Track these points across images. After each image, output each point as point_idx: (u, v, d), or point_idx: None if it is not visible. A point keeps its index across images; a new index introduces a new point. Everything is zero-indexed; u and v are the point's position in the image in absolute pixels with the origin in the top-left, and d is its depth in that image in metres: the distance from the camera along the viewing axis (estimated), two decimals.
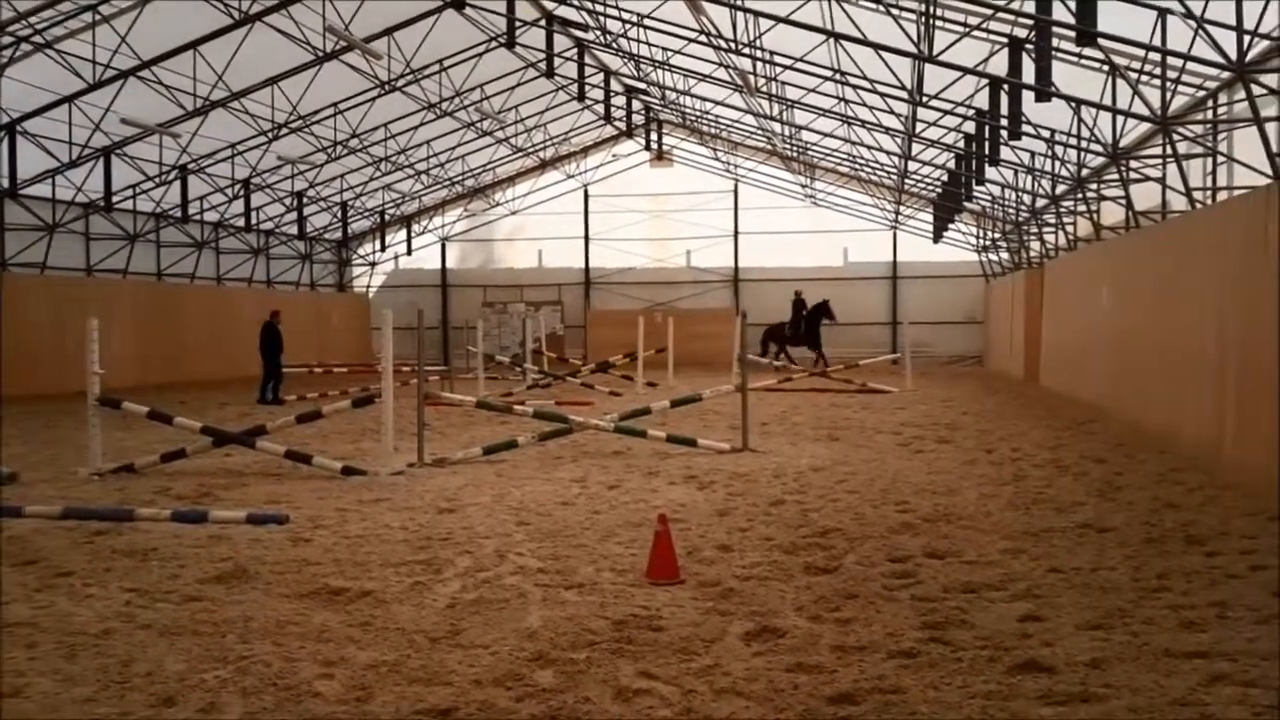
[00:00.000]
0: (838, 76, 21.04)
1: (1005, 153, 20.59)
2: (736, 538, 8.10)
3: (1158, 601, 6.14)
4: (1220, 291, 12.15)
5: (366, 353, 38.76)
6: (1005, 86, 16.59)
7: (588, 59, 27.18)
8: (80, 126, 23.17)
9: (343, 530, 8.55)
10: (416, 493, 10.36)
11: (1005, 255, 32.56)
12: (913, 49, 15.93)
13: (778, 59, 21.40)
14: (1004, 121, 17.14)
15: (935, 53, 15.73)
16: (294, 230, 35.27)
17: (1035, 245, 27.66)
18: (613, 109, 31.28)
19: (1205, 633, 5.52)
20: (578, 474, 11.54)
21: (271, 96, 25.02)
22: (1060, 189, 22.66)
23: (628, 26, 22.67)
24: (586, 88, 27.14)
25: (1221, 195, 15.69)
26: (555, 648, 5.40)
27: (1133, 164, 18.16)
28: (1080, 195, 21.14)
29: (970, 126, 21.26)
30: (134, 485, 11.04)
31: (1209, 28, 11.99)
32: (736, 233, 39.69)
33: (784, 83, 24.10)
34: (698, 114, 32.66)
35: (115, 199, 26.18)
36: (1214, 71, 14.51)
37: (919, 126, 23.35)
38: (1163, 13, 12.99)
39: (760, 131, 32.86)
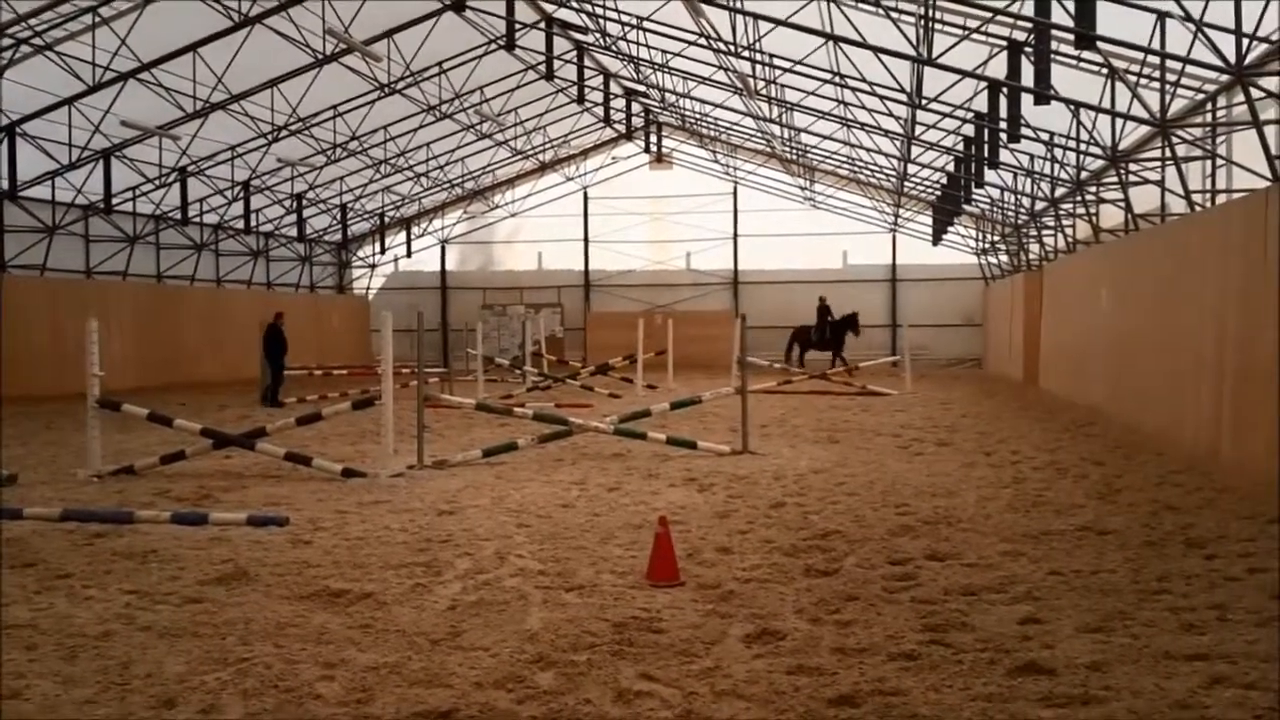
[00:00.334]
0: (837, 79, 21.05)
1: (1004, 155, 20.61)
2: (736, 540, 8.10)
3: (1157, 604, 6.14)
4: (1219, 294, 12.16)
5: (366, 355, 38.76)
6: (1004, 89, 16.61)
7: (587, 61, 27.19)
8: (80, 128, 23.18)
9: (343, 532, 8.55)
10: (416, 495, 10.36)
11: (1004, 258, 32.58)
12: (912, 52, 15.95)
13: (777, 62, 21.42)
14: (1003, 124, 17.16)
15: (934, 56, 15.75)
16: (294, 232, 35.28)
17: (1034, 248, 27.69)
18: (612, 111, 31.30)
19: (1205, 635, 5.52)
20: (577, 476, 11.54)
21: (271, 99, 25.03)
22: (1059, 192, 22.67)
23: (627, 29, 22.69)
24: (586, 90, 27.16)
25: (1220, 198, 15.70)
26: (556, 650, 5.40)
27: (1132, 167, 18.18)
28: (1079, 198, 21.15)
29: (969, 129, 21.28)
30: (133, 487, 11.04)
31: (1208, 31, 12.01)
32: (736, 235, 39.71)
33: (783, 85, 24.12)
34: (697, 116, 32.68)
35: (115, 201, 26.19)
36: (1213, 74, 14.52)
37: (918, 129, 23.37)
38: (1162, 16, 13.01)
39: (759, 134, 32.88)
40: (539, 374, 26.59)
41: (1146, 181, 18.13)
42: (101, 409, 11.78)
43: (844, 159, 31.79)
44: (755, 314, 32.11)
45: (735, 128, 33.31)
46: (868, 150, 28.32)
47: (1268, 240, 10.66)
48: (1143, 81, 14.99)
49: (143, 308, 29.72)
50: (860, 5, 16.80)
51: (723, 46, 20.88)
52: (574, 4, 22.33)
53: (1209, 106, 15.89)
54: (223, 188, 30.00)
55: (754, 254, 39.60)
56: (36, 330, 25.11)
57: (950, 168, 26.05)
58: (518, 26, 22.61)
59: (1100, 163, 19.38)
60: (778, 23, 17.64)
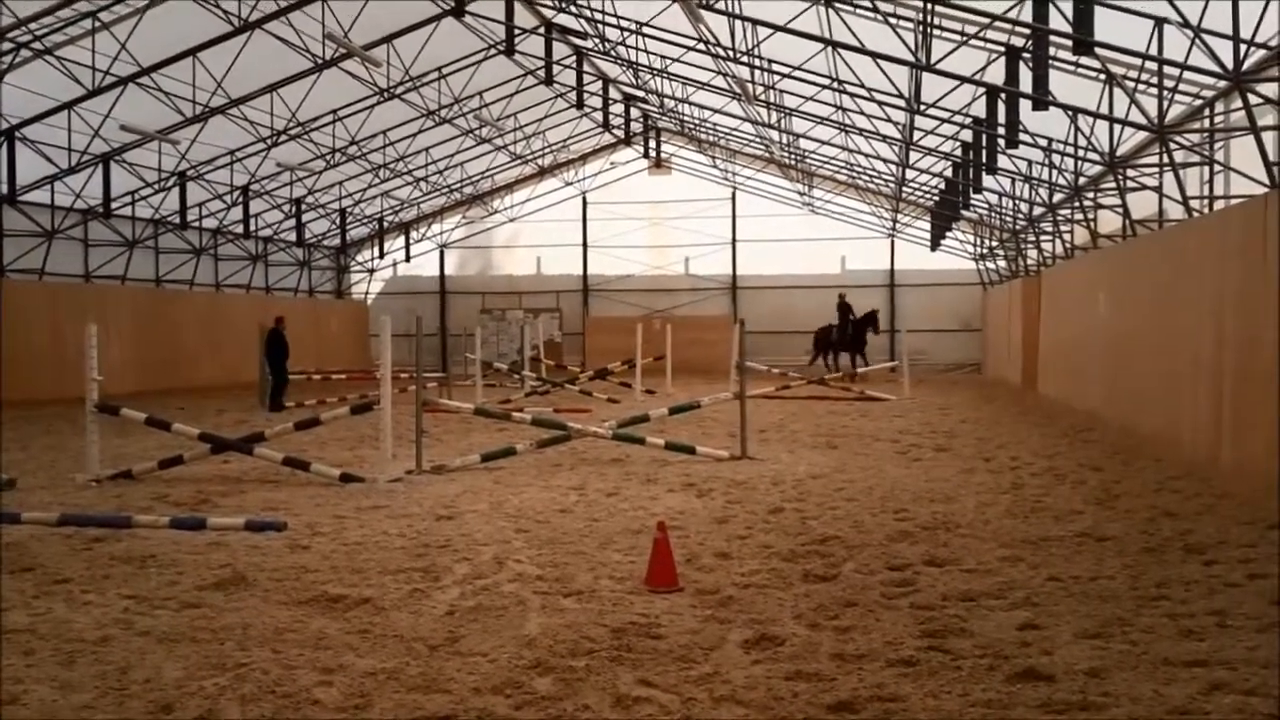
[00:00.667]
0: (835, 85, 21.08)
1: (1003, 161, 20.63)
2: (735, 545, 8.10)
3: (1156, 610, 6.14)
4: (1217, 300, 12.17)
5: (365, 359, 38.74)
6: (1003, 95, 16.62)
7: (586, 67, 27.22)
8: (79, 133, 23.17)
9: (341, 537, 8.54)
10: (415, 500, 10.36)
11: (1002, 263, 32.60)
12: (910, 58, 15.97)
13: (776, 67, 21.44)
14: (1001, 130, 17.17)
15: (933, 61, 15.77)
16: (292, 237, 35.28)
17: (1032, 253, 27.70)
18: (611, 117, 31.32)
19: (1204, 641, 5.52)
20: (576, 481, 11.54)
21: (271, 103, 25.04)
22: (1057, 197, 22.69)
23: (626, 34, 22.70)
24: (585, 95, 27.18)
25: (1218, 204, 15.71)
26: (554, 655, 5.39)
27: (1130, 172, 18.20)
28: (1077, 203, 21.17)
29: (968, 135, 21.30)
30: (132, 491, 11.03)
31: (1206, 37, 12.02)
32: (734, 240, 39.72)
33: (782, 91, 24.14)
34: (696, 122, 32.71)
35: (114, 205, 26.17)
36: (1211, 81, 14.54)
37: (916, 135, 23.39)
38: (1159, 22, 13.03)
39: (758, 139, 32.91)
40: (537, 379, 26.59)
41: (1144, 187, 18.16)
42: (100, 413, 11.77)
43: (842, 164, 31.82)
44: (754, 319, 32.12)
45: (734, 133, 33.34)
46: (866, 155, 28.35)
47: (1266, 246, 10.67)
48: (1141, 87, 15.02)
49: (141, 312, 29.71)
50: (859, 11, 16.82)
51: (721, 52, 20.89)
52: (573, 10, 22.35)
53: (1207, 112, 15.91)
54: (222, 192, 30.01)
55: (752, 259, 39.61)
56: (35, 334, 25.10)
57: (948, 173, 26.07)
58: (517, 32, 22.62)
59: (1098, 168, 19.40)
60: (776, 28, 17.66)
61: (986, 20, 15.65)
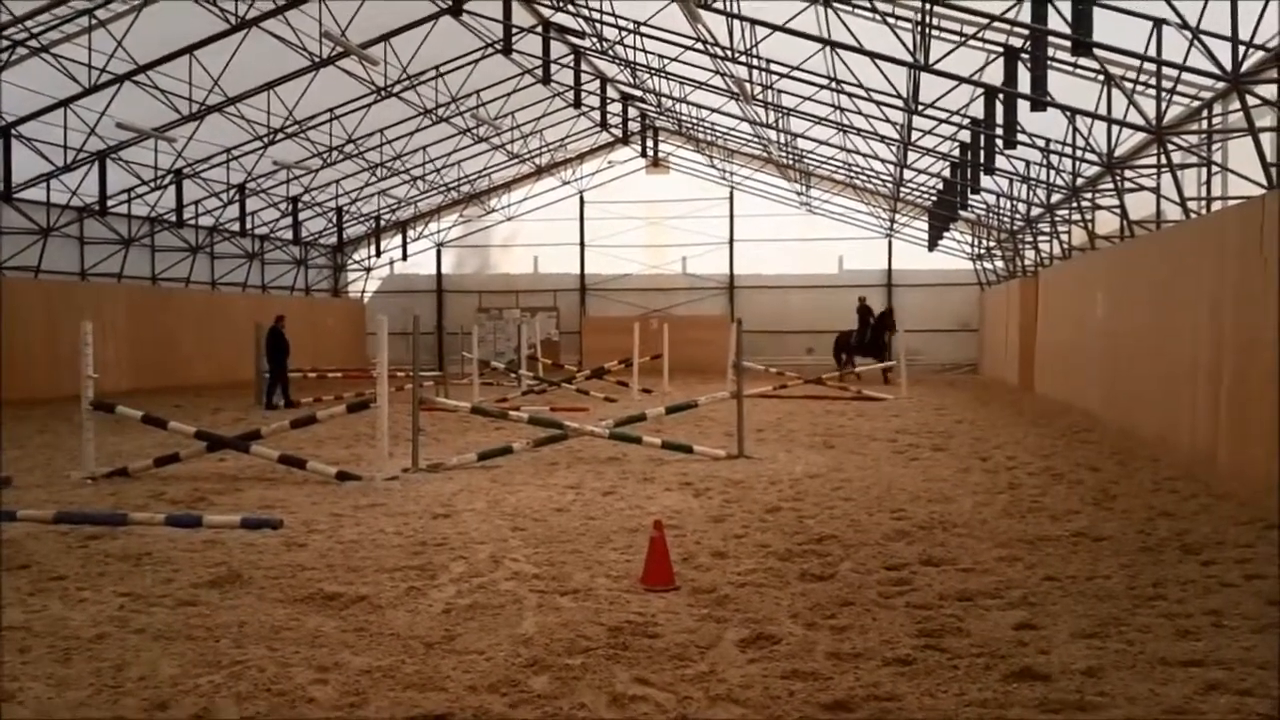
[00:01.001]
0: (834, 85, 21.08)
1: (1001, 162, 20.64)
2: (732, 544, 8.09)
3: (1153, 610, 6.14)
4: (1215, 301, 12.17)
5: (361, 358, 38.70)
6: (1001, 96, 16.64)
7: (584, 66, 27.21)
8: (75, 130, 23.13)
9: (337, 535, 8.53)
10: (411, 498, 10.35)
11: (1000, 263, 32.62)
12: (909, 58, 15.97)
13: (774, 67, 21.44)
14: (999, 130, 17.19)
15: (931, 62, 15.77)
16: (289, 235, 35.25)
17: (1030, 254, 27.72)
18: (609, 116, 31.31)
19: (1200, 641, 5.52)
20: (573, 480, 11.53)
21: (268, 102, 25.02)
22: (1055, 198, 22.71)
23: (624, 34, 22.70)
24: (583, 94, 27.18)
25: (1216, 205, 15.73)
26: (550, 654, 5.38)
27: (1127, 173, 18.21)
28: (1075, 204, 21.19)
29: (966, 135, 21.32)
30: (128, 489, 11.02)
31: (1204, 38, 12.03)
32: (732, 240, 39.72)
33: (780, 91, 24.14)
34: (694, 121, 32.71)
35: (110, 203, 26.13)
36: (1209, 82, 14.55)
37: (914, 135, 23.40)
38: (1158, 23, 13.04)
39: (756, 139, 32.91)
40: (534, 378, 26.57)
41: (1142, 188, 18.17)
42: (96, 411, 11.75)
43: (840, 164, 31.82)
44: (751, 319, 32.10)
45: (732, 132, 33.34)
46: (864, 156, 28.35)
47: (1264, 247, 10.68)
48: (1139, 88, 15.03)
49: (137, 310, 29.66)
50: (857, 11, 16.83)
51: (720, 51, 20.90)
52: (571, 9, 22.34)
53: (1205, 113, 15.92)
54: (218, 190, 29.98)
55: (750, 259, 39.61)
56: (31, 332, 25.05)
57: (946, 173, 26.09)
58: (515, 31, 22.61)
59: (1096, 169, 19.42)
60: (775, 28, 17.67)
61: (985, 21, 15.65)
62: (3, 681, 5.02)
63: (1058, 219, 23.58)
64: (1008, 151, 19.19)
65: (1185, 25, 12.05)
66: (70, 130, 23.06)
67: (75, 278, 28.65)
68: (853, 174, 32.85)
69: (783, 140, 30.50)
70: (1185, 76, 14.12)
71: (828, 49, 18.93)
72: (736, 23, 19.03)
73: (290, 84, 24.44)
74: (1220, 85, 14.22)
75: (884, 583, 6.85)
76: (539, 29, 24.18)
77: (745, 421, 13.76)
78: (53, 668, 5.25)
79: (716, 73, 24.32)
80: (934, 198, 30.35)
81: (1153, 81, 14.57)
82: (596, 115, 31.32)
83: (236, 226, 31.87)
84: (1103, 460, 12.85)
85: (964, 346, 37.47)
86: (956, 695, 4.78)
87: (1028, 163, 21.92)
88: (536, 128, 33.53)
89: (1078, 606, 6.22)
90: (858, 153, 28.24)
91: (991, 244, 32.35)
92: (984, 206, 27.74)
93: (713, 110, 29.64)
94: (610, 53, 24.60)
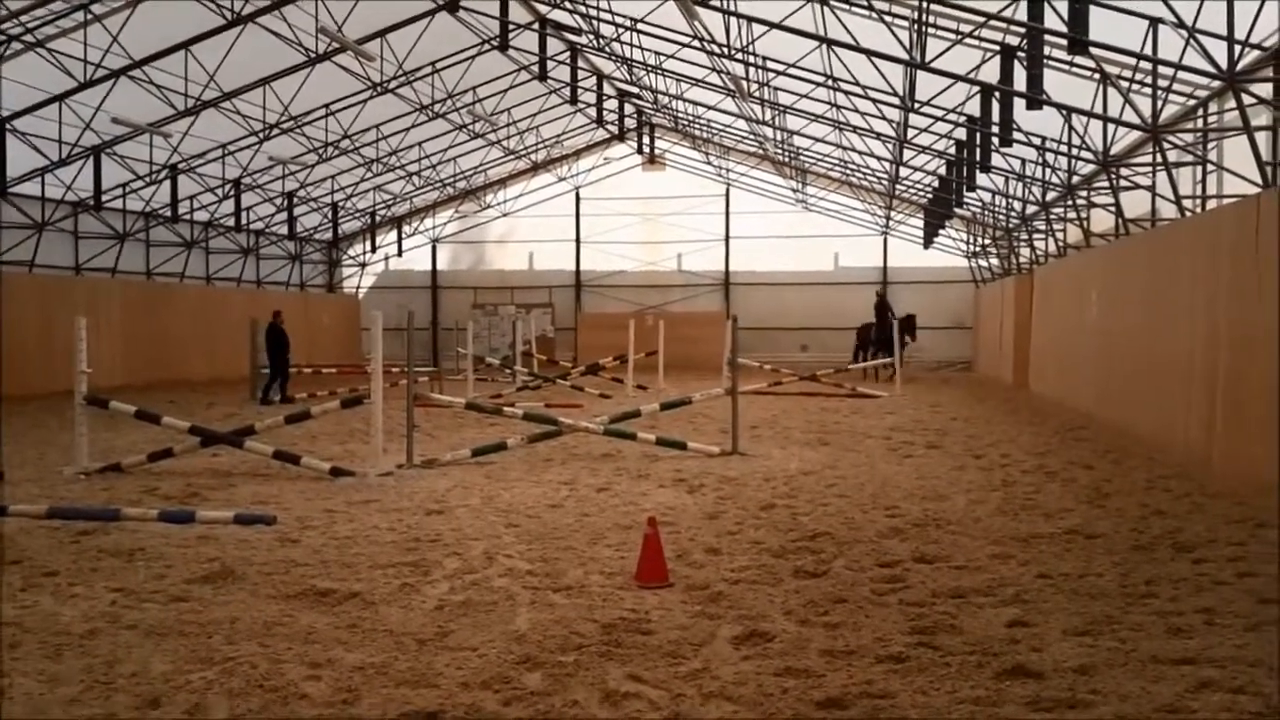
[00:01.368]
0: (830, 82, 21.08)
1: (996, 159, 20.64)
2: (726, 541, 8.09)
3: (1145, 608, 6.15)
4: (1209, 298, 12.20)
5: (356, 354, 38.69)
6: (997, 94, 16.63)
7: (580, 62, 27.18)
8: (70, 125, 23.08)
9: (331, 531, 8.52)
10: (405, 494, 10.34)
11: (995, 261, 32.64)
12: (905, 55, 15.97)
13: (770, 64, 21.43)
14: (995, 128, 17.18)
15: (927, 59, 15.77)
16: (284, 230, 35.19)
17: (1025, 251, 27.75)
18: (605, 112, 31.28)
19: (1193, 639, 5.53)
20: (567, 476, 11.53)
21: (263, 97, 24.97)
22: (1050, 196, 22.73)
23: (621, 30, 22.68)
24: (579, 91, 27.14)
25: (1211, 203, 15.75)
26: (543, 650, 5.38)
27: (1123, 172, 18.23)
28: (1070, 202, 21.21)
29: (961, 133, 21.32)
30: (121, 485, 10.99)
31: (1200, 37, 12.04)
32: (728, 237, 39.73)
33: (776, 88, 24.14)
34: (690, 118, 32.69)
35: (105, 198, 26.08)
36: (1204, 80, 14.56)
37: (910, 132, 23.40)
38: (1154, 22, 13.05)
39: (752, 136, 32.90)
40: (529, 374, 26.55)
41: (1137, 186, 18.19)
42: (89, 406, 11.72)
43: (836, 161, 31.82)
44: (746, 316, 32.13)
45: (728, 130, 33.32)
46: (860, 153, 28.35)
47: (1258, 245, 10.69)
48: (1134, 87, 15.05)
49: (132, 305, 29.61)
50: (854, 9, 16.82)
51: (716, 49, 20.88)
52: (567, 5, 22.31)
53: (1200, 112, 15.94)
54: (213, 185, 29.92)
55: (745, 256, 39.63)
56: (25, 327, 24.98)
57: (942, 171, 26.10)
58: (511, 27, 22.58)
59: (1091, 167, 19.43)
60: (771, 25, 17.66)
61: (981, 19, 15.65)
62: None
63: (1053, 217, 23.60)
64: (1003, 149, 19.18)
65: (1181, 24, 12.06)
66: (65, 125, 23.02)
67: (70, 273, 28.59)
68: (848, 171, 32.85)
69: (779, 137, 30.49)
70: (1181, 75, 14.13)
71: (824, 46, 18.92)
72: (733, 19, 19.02)
73: (286, 79, 24.39)
74: (1216, 84, 14.23)
75: (877, 580, 6.86)
76: (536, 25, 24.15)
77: (740, 418, 13.76)
78: (44, 664, 5.24)
79: (713, 69, 24.31)
80: (929, 195, 30.36)
81: (1148, 80, 14.59)
82: (593, 112, 31.29)
83: (231, 222, 31.80)
84: (1096, 458, 12.86)
85: (959, 344, 37.49)
86: (949, 693, 4.78)
87: (1023, 161, 21.94)
88: (532, 124, 33.51)
89: (1070, 604, 6.23)
90: (854, 150, 28.24)
91: (987, 242, 32.37)
92: (979, 204, 27.76)
93: (709, 107, 29.63)
94: (607, 49, 24.58)
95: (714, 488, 10.69)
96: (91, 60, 20.68)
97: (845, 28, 16.48)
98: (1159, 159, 15.64)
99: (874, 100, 20.38)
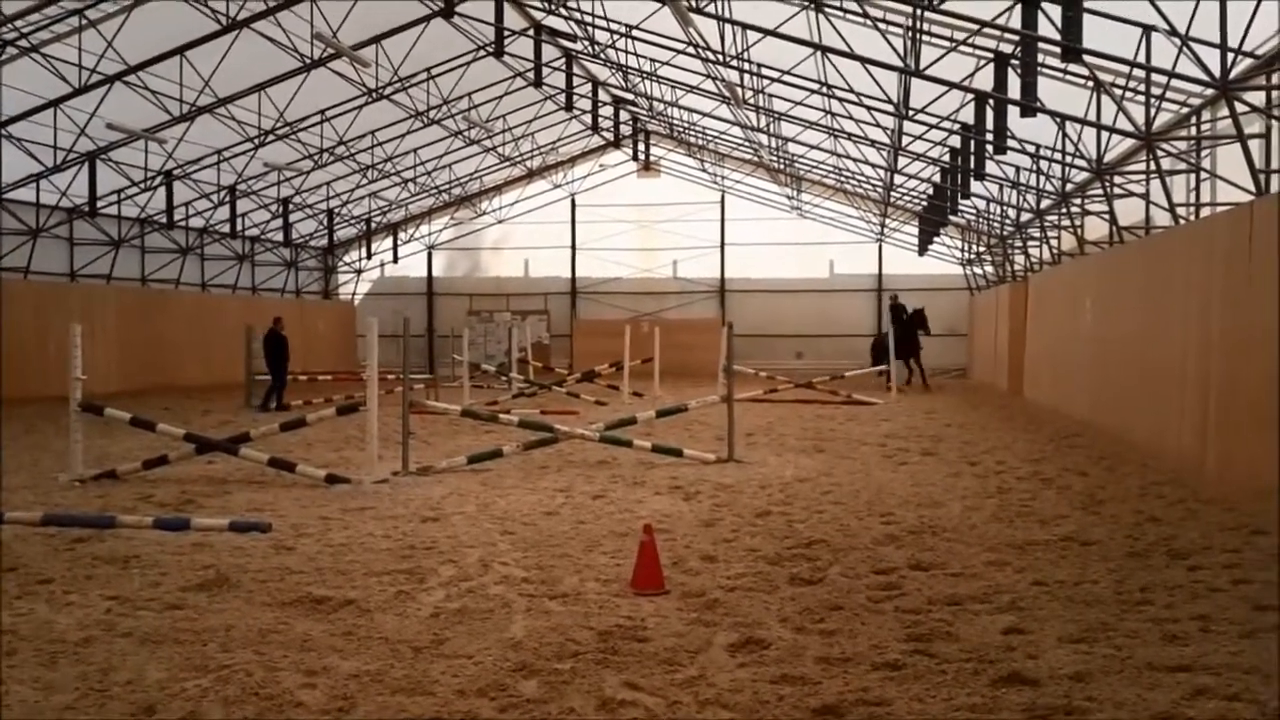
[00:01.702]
0: (824, 90, 21.13)
1: (990, 167, 20.70)
2: (722, 548, 8.09)
3: (1140, 615, 6.15)
4: (1203, 306, 12.23)
5: (351, 360, 38.67)
6: (991, 101, 16.68)
7: (576, 69, 27.22)
8: (65, 131, 23.08)
9: (326, 539, 8.51)
10: (400, 501, 10.33)
11: (990, 268, 32.70)
12: (899, 63, 16.01)
13: (765, 71, 21.48)
14: (989, 136, 17.23)
15: (922, 67, 15.82)
16: (279, 237, 35.18)
17: (1019, 259, 27.80)
18: (600, 119, 31.34)
19: (1188, 646, 5.53)
20: (563, 483, 11.52)
21: (258, 103, 24.98)
22: (1045, 203, 22.78)
23: (616, 37, 22.72)
24: (574, 98, 27.19)
25: (1204, 211, 15.80)
26: (539, 658, 5.38)
27: (1117, 179, 18.28)
28: (1064, 210, 21.26)
29: (956, 141, 21.37)
30: (115, 492, 10.98)
31: (1193, 45, 12.09)
32: (723, 243, 39.78)
33: (771, 95, 24.19)
34: (685, 125, 32.74)
35: (100, 204, 26.07)
36: (1198, 88, 14.61)
37: (905, 140, 23.46)
38: (1147, 30, 13.09)
39: (747, 143, 32.95)
40: (525, 381, 26.55)
41: (1131, 194, 18.24)
42: (84, 413, 11.71)
43: (831, 169, 31.88)
44: (742, 322, 32.20)
45: (723, 136, 33.38)
46: (855, 160, 28.41)
47: (1252, 253, 10.73)
48: (1128, 95, 15.08)
49: (127, 311, 29.59)
50: (848, 16, 16.87)
51: (711, 56, 20.93)
52: (563, 12, 22.35)
53: (1193, 120, 15.99)
54: (209, 191, 29.92)
55: (741, 262, 39.69)
56: (19, 333, 24.96)
57: (936, 178, 26.15)
58: (506, 33, 22.61)
59: (1085, 175, 19.48)
60: (766, 33, 17.69)
61: (975, 27, 15.70)
62: None
63: (1047, 224, 23.66)
64: (998, 157, 19.23)
65: (1174, 32, 12.10)
66: (60, 131, 23.02)
67: (65, 279, 28.56)
68: (843, 178, 32.91)
69: (774, 144, 30.54)
70: (1174, 83, 14.20)
71: (819, 54, 18.97)
72: (728, 27, 19.07)
73: (281, 85, 24.41)
74: (1209, 92, 14.28)
75: (873, 587, 6.86)
76: (531, 32, 24.19)
77: (735, 425, 13.76)
78: (39, 671, 5.23)
79: (708, 77, 24.36)
80: (924, 202, 30.41)
81: (1142, 88, 14.63)
82: (588, 118, 31.34)
83: (227, 228, 31.80)
84: (1091, 465, 12.88)
85: (953, 351, 37.53)
86: (945, 700, 4.78)
87: (1017, 168, 21.99)
88: (528, 131, 33.54)
89: (1066, 611, 6.24)
90: (848, 157, 28.30)
91: (981, 249, 32.43)
92: (974, 211, 27.82)
93: (704, 114, 29.68)
94: (602, 56, 24.61)
95: (710, 495, 10.69)
96: (86, 66, 20.70)
97: (840, 35, 16.52)
98: (1153, 167, 15.68)
99: (868, 107, 20.44)
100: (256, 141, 26.75)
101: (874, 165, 28.22)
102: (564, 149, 37.90)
